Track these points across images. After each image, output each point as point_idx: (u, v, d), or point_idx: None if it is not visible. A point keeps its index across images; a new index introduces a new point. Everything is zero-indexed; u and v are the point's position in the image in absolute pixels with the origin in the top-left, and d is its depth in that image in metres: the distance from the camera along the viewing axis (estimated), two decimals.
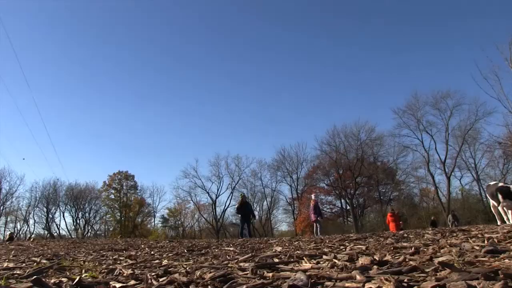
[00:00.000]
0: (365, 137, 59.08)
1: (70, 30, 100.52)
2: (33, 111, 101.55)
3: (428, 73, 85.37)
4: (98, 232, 68.65)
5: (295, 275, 2.50)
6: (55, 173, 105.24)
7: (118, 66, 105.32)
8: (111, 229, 69.59)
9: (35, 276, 3.09)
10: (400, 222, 27.11)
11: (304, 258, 3.77)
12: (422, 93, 56.10)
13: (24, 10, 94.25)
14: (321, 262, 3.46)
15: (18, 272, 4.22)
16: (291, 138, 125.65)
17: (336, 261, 3.35)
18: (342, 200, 62.83)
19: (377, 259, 3.21)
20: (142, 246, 9.86)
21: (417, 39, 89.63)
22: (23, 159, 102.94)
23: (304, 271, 2.79)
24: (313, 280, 2.38)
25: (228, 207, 65.87)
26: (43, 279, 3.01)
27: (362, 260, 3.23)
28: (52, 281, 3.10)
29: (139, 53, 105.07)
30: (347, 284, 2.22)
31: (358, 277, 2.34)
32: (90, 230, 68.39)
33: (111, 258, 6.02)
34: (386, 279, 2.16)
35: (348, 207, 59.92)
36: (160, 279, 2.81)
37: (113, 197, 71.18)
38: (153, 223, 73.85)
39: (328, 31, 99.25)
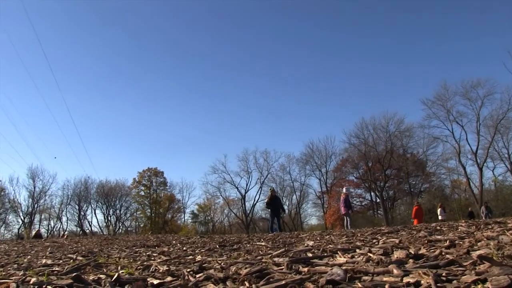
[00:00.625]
0: (394, 129, 58.04)
1: (96, 28, 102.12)
2: (63, 110, 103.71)
3: (456, 63, 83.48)
4: (129, 229, 69.73)
5: (331, 269, 2.50)
6: (86, 171, 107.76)
7: (143, 64, 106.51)
8: (141, 225, 70.62)
9: (75, 273, 3.18)
10: (445, 212, 26.50)
11: (338, 252, 3.76)
12: (451, 83, 54.71)
13: (50, 9, 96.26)
14: (356, 256, 3.44)
15: (57, 269, 4.34)
16: (319, 132, 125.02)
17: (371, 255, 3.32)
18: (372, 193, 62.40)
19: (412, 252, 3.18)
20: (174, 242, 9.97)
21: (444, 29, 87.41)
22: (55, 157, 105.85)
23: (339, 265, 2.79)
24: (350, 275, 2.37)
25: (257, 201, 65.98)
26: (83, 276, 3.10)
27: (397, 254, 3.20)
28: (91, 278, 3.18)
29: (163, 51, 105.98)
30: (384, 279, 2.21)
31: (395, 271, 2.32)
32: (121, 227, 69.57)
33: (144, 254, 6.12)
34: (424, 273, 2.15)
35: (378, 200, 59.28)
36: (197, 275, 2.85)
37: (143, 193, 72.23)
38: (183, 219, 74.79)
39: (352, 22, 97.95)
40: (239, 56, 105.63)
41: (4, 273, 4.10)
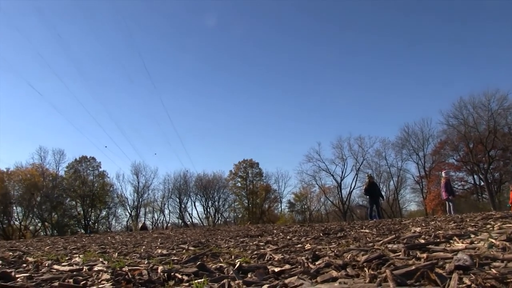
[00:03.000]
0: (497, 106, 53.64)
1: (185, 27, 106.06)
2: (160, 110, 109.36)
3: None
4: (227, 220, 71.78)
5: (455, 255, 2.44)
6: (184, 165, 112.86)
7: (236, 60, 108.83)
8: (239, 216, 72.50)
9: (198, 262, 3.40)
10: None
11: (454, 238, 3.65)
12: None
13: (140, 11, 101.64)
14: (475, 242, 3.32)
15: (175, 258, 4.64)
16: (414, 114, 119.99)
17: (493, 240, 3.18)
18: (475, 176, 58.64)
19: None
20: (275, 231, 10.13)
21: None
22: (155, 154, 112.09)
23: (459, 251, 2.71)
24: (475, 261, 2.30)
25: (353, 189, 64.98)
26: (206, 265, 3.30)
27: None
28: (213, 266, 3.37)
29: (256, 48, 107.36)
30: None
31: None
32: (220, 218, 71.87)
33: (252, 244, 6.30)
34: None
35: (482, 183, 55.70)
36: (316, 262, 2.91)
37: (239, 185, 73.93)
38: (280, 209, 75.47)
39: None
40: (325, 36, 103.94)
41: (131, 261, 4.46)
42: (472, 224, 5.90)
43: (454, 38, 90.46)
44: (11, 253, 7.07)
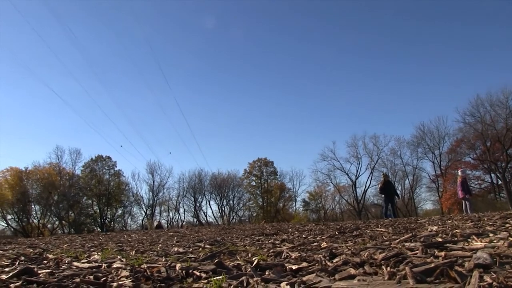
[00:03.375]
0: None
1: (199, 28, 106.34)
2: (175, 109, 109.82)
3: None
4: (242, 218, 71.89)
5: (474, 253, 2.43)
6: (199, 164, 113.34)
7: (247, 58, 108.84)
8: (254, 214, 72.54)
9: (216, 260, 3.43)
10: None
11: (472, 236, 3.62)
12: None
13: (151, 13, 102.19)
14: (494, 241, 3.29)
15: (192, 256, 4.68)
16: (430, 112, 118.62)
17: None
18: (492, 175, 57.77)
19: None
20: (290, 230, 10.12)
21: None
22: (170, 153, 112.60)
23: (478, 250, 2.69)
24: (495, 259, 2.29)
25: (368, 187, 64.52)
26: (223, 263, 3.33)
27: None
28: (230, 264, 3.40)
29: (271, 50, 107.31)
30: None
31: None
32: (234, 217, 72.04)
33: (267, 242, 6.31)
34: None
35: (500, 182, 54.85)
36: (334, 260, 2.92)
37: (254, 183, 74.02)
38: (294, 207, 75.40)
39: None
40: (342, 38, 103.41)
41: (148, 259, 4.52)
42: (490, 223, 5.84)
43: (471, 36, 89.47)
44: (31, 250, 7.21)
